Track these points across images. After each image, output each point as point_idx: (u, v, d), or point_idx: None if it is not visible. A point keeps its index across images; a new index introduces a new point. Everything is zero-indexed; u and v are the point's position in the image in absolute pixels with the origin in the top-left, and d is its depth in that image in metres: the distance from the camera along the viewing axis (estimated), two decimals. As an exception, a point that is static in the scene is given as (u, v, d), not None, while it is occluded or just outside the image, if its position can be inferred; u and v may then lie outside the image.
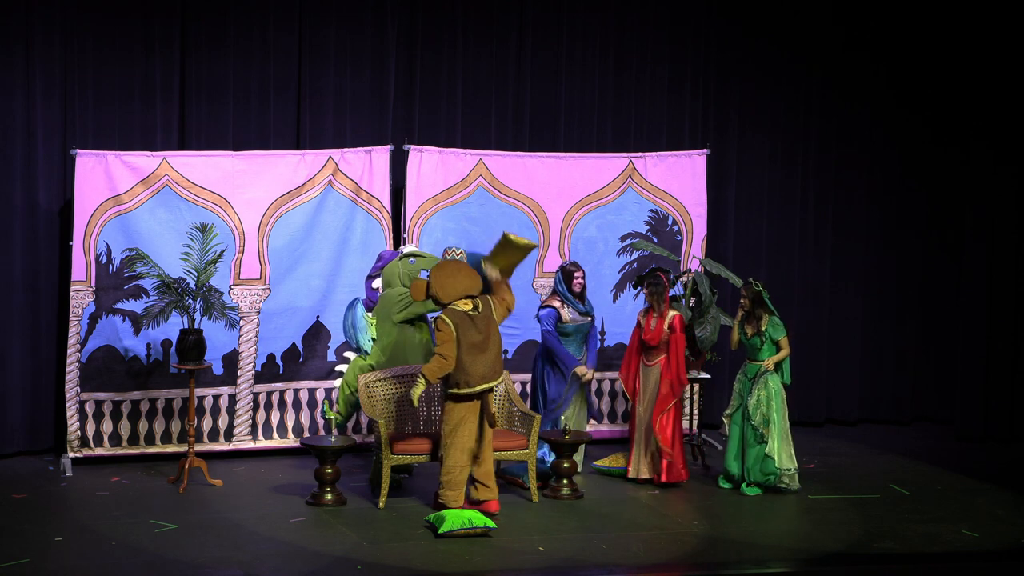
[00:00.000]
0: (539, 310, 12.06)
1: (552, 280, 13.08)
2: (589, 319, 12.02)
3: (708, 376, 12.93)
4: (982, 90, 13.71)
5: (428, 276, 10.87)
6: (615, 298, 13.26)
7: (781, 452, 11.57)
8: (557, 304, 11.95)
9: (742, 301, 11.76)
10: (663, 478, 11.74)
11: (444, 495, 10.63)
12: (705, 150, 13.50)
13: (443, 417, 10.75)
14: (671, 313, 11.90)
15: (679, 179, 13.36)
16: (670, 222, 13.35)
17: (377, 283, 11.82)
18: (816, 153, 14.29)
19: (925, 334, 14.58)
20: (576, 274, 11.98)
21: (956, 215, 14.25)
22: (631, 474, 11.87)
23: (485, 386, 10.67)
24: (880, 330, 14.51)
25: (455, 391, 10.65)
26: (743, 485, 11.60)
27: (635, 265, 13.27)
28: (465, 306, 10.69)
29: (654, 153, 13.40)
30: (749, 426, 11.60)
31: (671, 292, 12.64)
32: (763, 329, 11.66)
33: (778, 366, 11.72)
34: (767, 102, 14.12)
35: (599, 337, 13.24)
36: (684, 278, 12.72)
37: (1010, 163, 13.60)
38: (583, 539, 10.29)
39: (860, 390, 14.50)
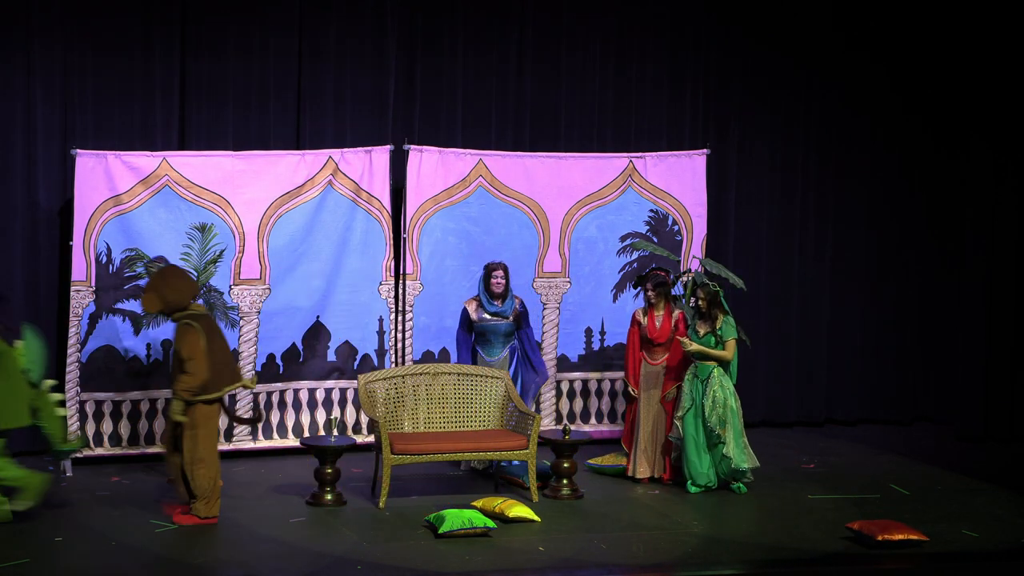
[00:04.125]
0: None
1: (553, 280, 13.10)
2: (504, 320, 12.00)
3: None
4: (982, 91, 13.72)
5: (154, 284, 10.40)
6: (615, 298, 13.26)
7: (738, 453, 11.54)
8: (470, 304, 11.99)
9: (699, 302, 11.72)
10: (668, 476, 11.78)
11: (202, 508, 10.31)
12: (705, 150, 13.49)
13: (189, 430, 10.30)
14: (676, 311, 11.91)
15: (679, 179, 13.36)
16: (670, 222, 13.35)
17: None
18: (816, 153, 14.30)
19: (925, 334, 14.58)
20: (495, 272, 11.99)
21: (956, 215, 14.26)
22: (631, 472, 11.87)
23: (230, 389, 10.48)
24: (880, 330, 14.51)
25: (204, 396, 10.34)
26: (732, 484, 11.58)
27: (635, 265, 13.27)
28: (200, 308, 10.54)
29: (654, 153, 13.40)
30: (704, 428, 11.57)
31: (671, 292, 12.67)
32: (717, 329, 11.63)
33: (725, 365, 11.65)
34: (767, 102, 14.12)
35: (599, 337, 13.25)
36: (684, 278, 12.72)
37: (1010, 163, 13.60)
38: (583, 539, 10.29)
39: (860, 390, 14.51)
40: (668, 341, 11.86)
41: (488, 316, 11.98)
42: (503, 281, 11.96)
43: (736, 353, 11.70)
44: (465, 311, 12.01)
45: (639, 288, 12.74)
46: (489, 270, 12.01)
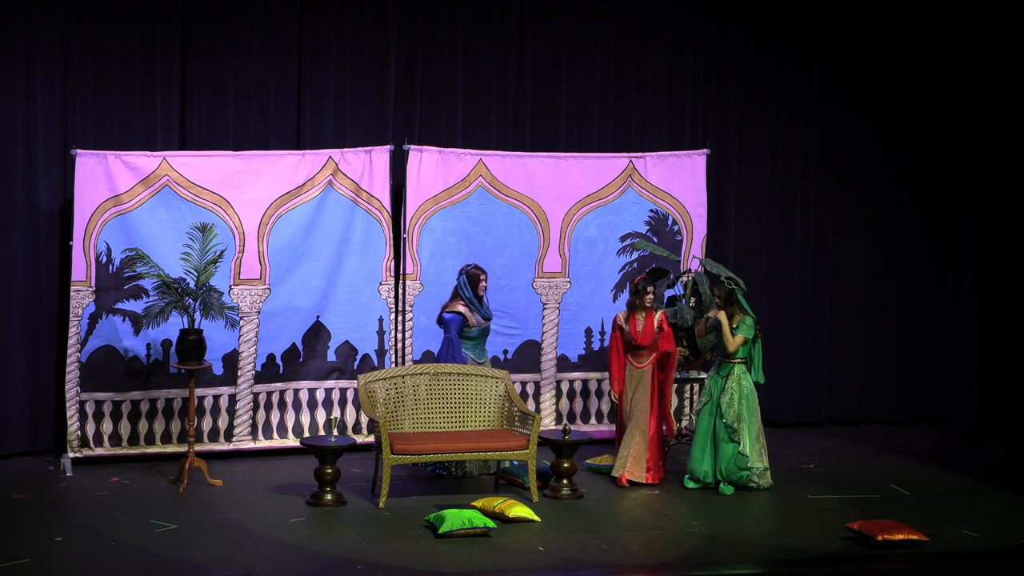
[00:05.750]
0: (443, 313, 12.06)
1: (553, 280, 13.09)
2: (489, 322, 12.11)
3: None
4: (982, 91, 13.73)
5: None
6: (615, 298, 13.25)
7: (753, 450, 11.55)
8: (463, 309, 11.96)
9: (716, 300, 11.76)
10: (650, 479, 11.77)
11: None
12: (705, 150, 13.49)
13: None
14: (658, 312, 11.88)
15: (679, 179, 13.36)
16: (670, 222, 13.35)
17: None
18: (816, 153, 14.29)
19: (925, 334, 14.58)
20: (481, 277, 12.04)
21: (956, 215, 14.26)
22: (628, 477, 11.81)
23: None
24: (880, 330, 14.51)
25: None
26: (720, 484, 11.58)
27: (635, 265, 13.27)
28: None
29: (654, 153, 13.40)
30: (721, 423, 11.59)
31: (671, 292, 12.68)
32: (734, 327, 11.64)
33: (749, 365, 11.67)
34: (768, 102, 14.12)
35: (599, 337, 13.25)
36: (684, 278, 12.72)
37: (1010, 164, 13.61)
38: (583, 539, 10.29)
39: (860, 390, 14.50)
40: (652, 343, 11.83)
41: (483, 320, 12.01)
42: (487, 285, 12.04)
43: (759, 353, 11.69)
44: (465, 317, 11.98)
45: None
46: (476, 275, 12.02)
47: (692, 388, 12.86)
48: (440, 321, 12.08)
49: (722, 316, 11.58)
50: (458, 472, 11.93)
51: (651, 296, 11.81)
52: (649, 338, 11.79)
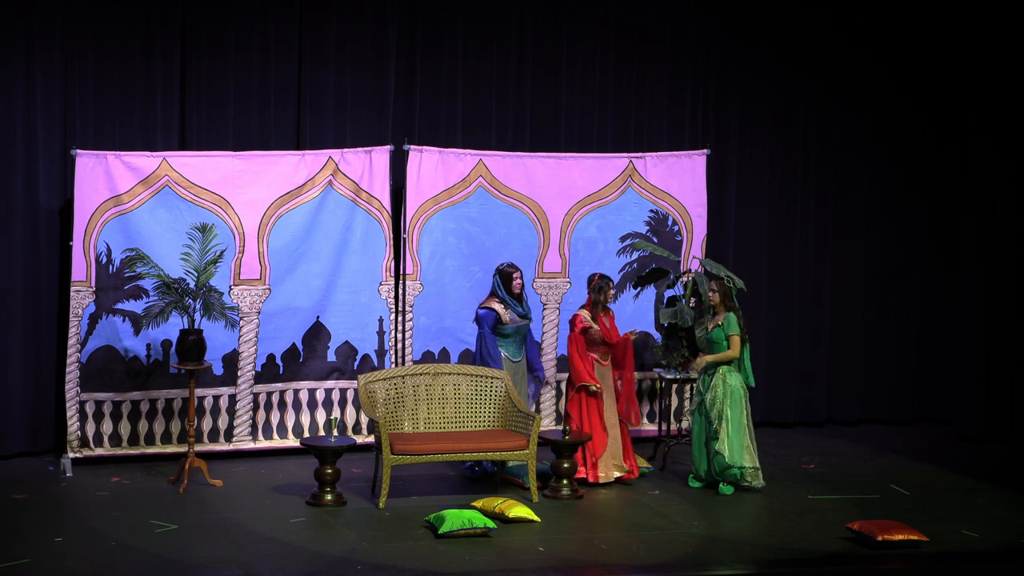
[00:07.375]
0: (478, 310, 12.03)
1: (553, 281, 13.09)
2: (527, 321, 12.05)
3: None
4: (981, 91, 13.73)
5: None
6: (615, 298, 13.23)
7: (734, 450, 11.51)
8: (497, 306, 11.94)
9: (711, 295, 11.76)
10: (633, 475, 11.78)
11: None
12: (705, 150, 13.49)
13: None
14: (611, 311, 11.91)
15: (679, 179, 13.36)
16: (670, 222, 13.35)
17: None
18: (816, 153, 14.29)
19: (925, 334, 14.58)
20: (515, 275, 12.00)
21: (956, 215, 14.27)
22: (604, 479, 11.78)
23: None
24: (880, 330, 14.51)
25: None
26: (720, 484, 11.59)
27: (635, 265, 13.27)
28: None
29: (654, 153, 13.40)
30: (706, 423, 11.62)
31: (671, 292, 12.68)
32: (720, 324, 11.65)
33: (739, 365, 11.66)
34: (768, 103, 14.12)
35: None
36: (684, 278, 12.72)
37: (1010, 163, 13.61)
38: (583, 539, 10.30)
39: (860, 390, 14.50)
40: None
41: (518, 318, 11.98)
42: (522, 282, 12.01)
43: (747, 351, 11.69)
44: (498, 314, 11.93)
45: (639, 288, 12.77)
46: (508, 273, 11.99)
47: (691, 388, 12.84)
48: (477, 318, 12.08)
49: (709, 358, 11.56)
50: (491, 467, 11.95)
51: (612, 292, 11.85)
52: (619, 335, 11.81)
